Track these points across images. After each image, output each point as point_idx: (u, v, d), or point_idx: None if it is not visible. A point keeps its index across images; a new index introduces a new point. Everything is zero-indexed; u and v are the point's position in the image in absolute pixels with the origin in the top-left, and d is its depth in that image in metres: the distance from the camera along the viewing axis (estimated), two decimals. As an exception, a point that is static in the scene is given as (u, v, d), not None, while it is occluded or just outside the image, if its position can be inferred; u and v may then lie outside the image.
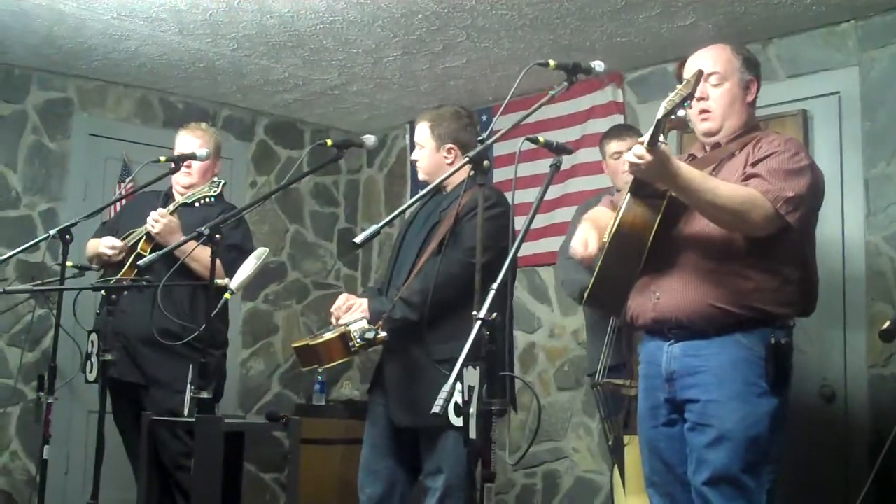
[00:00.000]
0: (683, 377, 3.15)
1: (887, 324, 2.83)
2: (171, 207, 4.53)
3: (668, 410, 3.22)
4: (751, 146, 3.19)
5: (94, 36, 5.49)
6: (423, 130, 4.10)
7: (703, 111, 3.26)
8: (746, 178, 3.08)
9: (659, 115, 2.81)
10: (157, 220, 4.43)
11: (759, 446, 3.03)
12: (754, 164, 3.10)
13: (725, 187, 3.01)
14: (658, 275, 3.18)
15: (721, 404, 3.05)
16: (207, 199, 4.50)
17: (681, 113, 2.88)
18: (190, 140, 4.77)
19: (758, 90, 3.33)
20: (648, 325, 3.28)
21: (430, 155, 4.08)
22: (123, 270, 4.48)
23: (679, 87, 2.88)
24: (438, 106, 4.25)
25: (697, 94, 3.14)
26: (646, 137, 2.87)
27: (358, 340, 3.70)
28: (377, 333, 3.70)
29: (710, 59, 3.27)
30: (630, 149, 2.98)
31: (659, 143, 2.85)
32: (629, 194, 3.08)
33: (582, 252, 3.28)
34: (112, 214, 5.33)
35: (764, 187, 3.01)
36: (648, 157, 2.85)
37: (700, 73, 2.96)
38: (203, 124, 4.98)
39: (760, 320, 3.08)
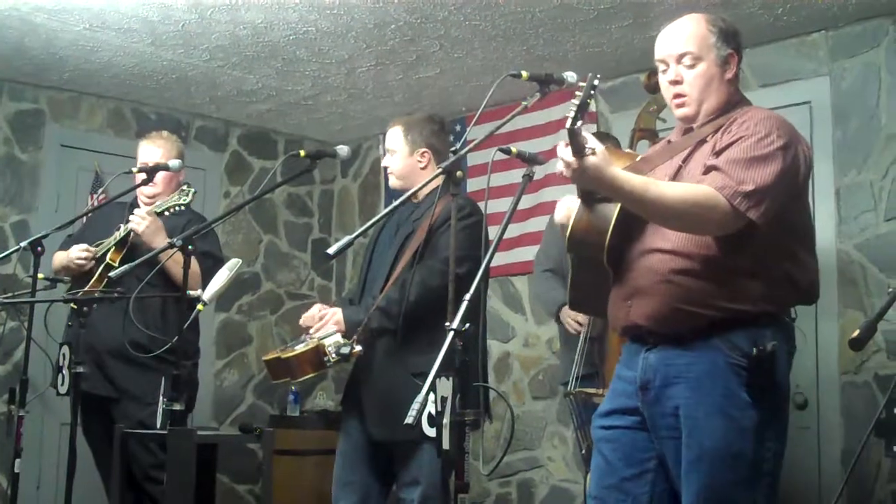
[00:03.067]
0: (660, 388, 2.91)
1: (857, 332, 2.75)
2: (151, 209, 4.48)
3: (634, 419, 2.98)
4: (722, 130, 2.92)
5: (65, 47, 5.46)
6: (395, 135, 4.08)
7: (678, 95, 2.99)
8: (706, 170, 2.83)
9: (567, 126, 2.56)
10: (143, 219, 4.39)
11: (745, 462, 2.80)
12: (718, 154, 2.83)
13: (672, 191, 2.76)
14: (628, 281, 2.97)
15: (700, 420, 2.81)
16: (178, 208, 4.46)
17: (580, 124, 2.67)
18: (152, 150, 4.72)
19: (739, 62, 3.03)
20: (624, 333, 3.09)
21: (402, 159, 4.05)
22: (92, 282, 4.44)
23: (575, 94, 2.60)
24: (410, 112, 4.26)
25: (671, 78, 2.98)
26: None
27: (333, 355, 3.65)
28: (353, 348, 3.67)
29: (681, 38, 2.97)
30: None
31: (586, 151, 2.61)
32: (579, 200, 2.95)
33: (561, 219, 3.04)
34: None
35: (719, 182, 2.74)
36: (574, 164, 2.64)
37: (592, 78, 2.65)
38: (164, 132, 4.93)
39: (739, 321, 2.83)
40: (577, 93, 2.59)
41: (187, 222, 4.50)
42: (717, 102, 2.99)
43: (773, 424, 2.87)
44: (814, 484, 4.66)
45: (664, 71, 3.03)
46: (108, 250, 4.49)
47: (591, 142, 2.64)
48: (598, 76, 2.67)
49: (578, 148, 2.61)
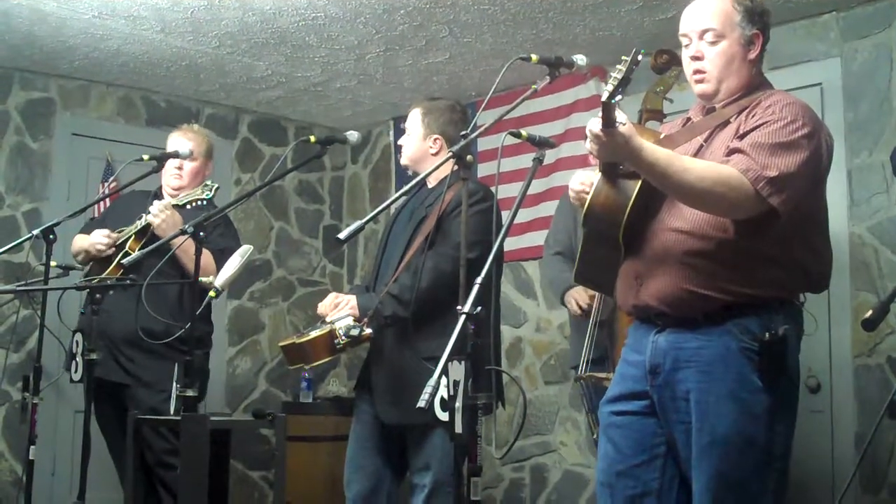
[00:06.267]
0: (670, 372, 2.88)
1: (869, 313, 2.72)
2: (171, 202, 4.47)
3: (643, 403, 2.95)
4: (746, 112, 2.90)
5: (75, 35, 5.47)
6: (414, 116, 4.11)
7: (698, 72, 2.96)
8: (729, 152, 2.81)
9: (603, 98, 2.59)
10: (161, 212, 4.38)
11: (758, 448, 2.78)
12: (742, 137, 2.81)
13: (696, 167, 2.74)
14: (640, 260, 2.94)
15: (712, 405, 2.78)
16: (199, 202, 4.38)
17: (618, 98, 2.69)
18: (181, 142, 4.72)
19: (765, 43, 2.99)
20: (633, 313, 3.07)
21: (415, 142, 4.08)
22: (110, 269, 4.45)
23: (617, 68, 2.60)
24: (436, 98, 4.27)
25: (692, 53, 2.96)
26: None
27: (343, 338, 3.68)
28: (362, 330, 3.69)
29: (705, 14, 2.95)
30: None
31: (616, 125, 2.63)
32: (600, 174, 2.93)
33: (578, 188, 3.03)
34: (96, 213, 5.31)
35: (744, 165, 2.72)
36: (602, 137, 2.65)
37: (636, 53, 2.63)
38: (195, 126, 4.95)
39: (752, 305, 2.81)
40: (619, 66, 2.58)
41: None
42: (738, 82, 2.96)
43: (783, 409, 2.85)
44: (827, 467, 4.65)
45: (686, 45, 3.01)
46: (129, 238, 4.49)
47: (621, 117, 2.65)
48: (642, 51, 2.66)
49: (610, 122, 2.62)
